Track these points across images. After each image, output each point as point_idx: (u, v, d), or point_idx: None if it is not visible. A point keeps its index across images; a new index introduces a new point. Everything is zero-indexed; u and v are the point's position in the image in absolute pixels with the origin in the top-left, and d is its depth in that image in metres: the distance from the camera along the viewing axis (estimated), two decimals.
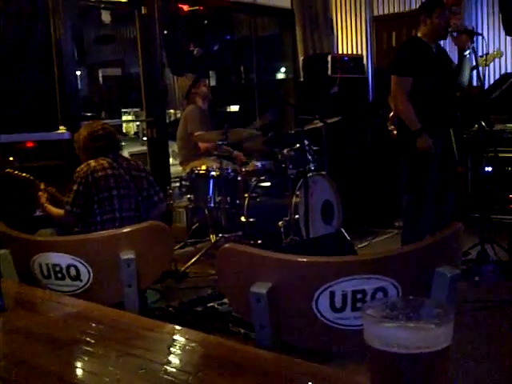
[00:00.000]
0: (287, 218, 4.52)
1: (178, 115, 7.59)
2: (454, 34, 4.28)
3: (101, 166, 3.45)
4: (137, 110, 8.28)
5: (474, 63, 4.23)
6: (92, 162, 3.44)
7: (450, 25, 4.19)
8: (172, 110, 8.99)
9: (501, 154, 5.14)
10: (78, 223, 3.44)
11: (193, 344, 1.08)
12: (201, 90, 5.40)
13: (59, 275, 1.55)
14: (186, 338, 1.10)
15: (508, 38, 6.08)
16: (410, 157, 4.16)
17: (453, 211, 4.47)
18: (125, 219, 3.51)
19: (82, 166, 3.43)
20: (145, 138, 6.50)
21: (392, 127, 5.88)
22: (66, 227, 3.48)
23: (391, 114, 5.91)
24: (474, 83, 5.97)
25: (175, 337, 1.12)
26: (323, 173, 4.86)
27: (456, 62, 4.39)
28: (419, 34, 4.17)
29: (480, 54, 4.27)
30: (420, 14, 4.19)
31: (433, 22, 4.07)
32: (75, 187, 3.38)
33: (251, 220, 4.65)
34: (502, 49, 6.35)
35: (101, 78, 11.11)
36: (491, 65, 6.34)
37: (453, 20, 4.38)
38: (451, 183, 4.34)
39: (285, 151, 4.68)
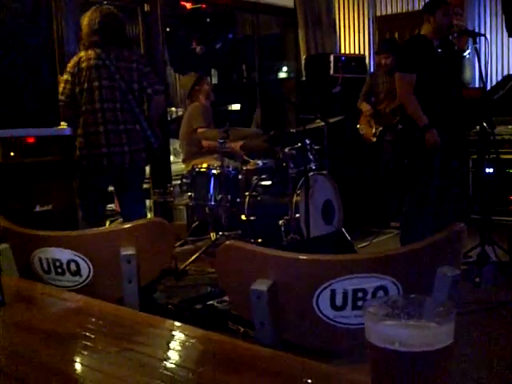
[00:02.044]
0: (288, 217, 4.52)
1: (180, 113, 7.58)
2: (455, 34, 4.29)
3: (86, 57, 3.56)
4: None
5: (477, 64, 4.23)
6: (81, 53, 3.62)
7: (452, 24, 4.19)
8: (173, 108, 8.98)
9: (502, 156, 5.14)
10: (70, 113, 3.60)
11: (193, 340, 1.07)
12: (204, 88, 5.39)
13: (59, 270, 1.55)
14: (186, 334, 1.09)
15: (511, 39, 6.07)
16: (412, 157, 4.16)
17: (461, 209, 4.46)
18: (107, 110, 3.56)
19: (74, 57, 3.64)
20: None
21: (362, 131, 5.93)
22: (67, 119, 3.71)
23: (362, 117, 5.94)
24: (477, 84, 5.97)
25: (175, 333, 1.12)
26: (324, 172, 4.86)
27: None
28: (422, 32, 4.17)
29: (483, 55, 4.26)
30: (423, 13, 4.19)
31: (435, 20, 4.07)
32: (64, 76, 3.56)
33: (252, 218, 4.65)
34: (505, 50, 6.35)
35: None
36: (494, 66, 6.33)
37: (455, 21, 4.39)
38: (455, 181, 4.34)
39: (286, 150, 4.68)
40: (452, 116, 4.18)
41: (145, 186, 5.42)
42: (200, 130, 5.04)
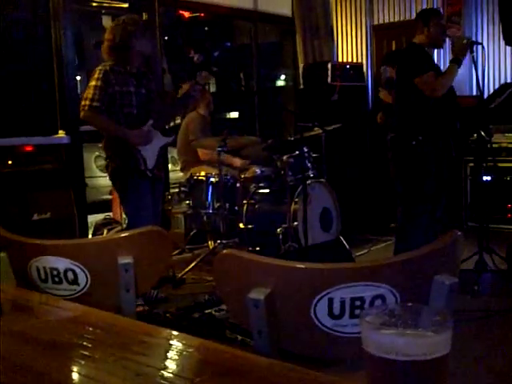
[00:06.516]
0: (286, 225, 4.51)
1: (178, 121, 7.59)
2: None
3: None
4: None
5: (474, 73, 4.23)
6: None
7: (446, 35, 4.20)
8: None
9: (499, 164, 5.15)
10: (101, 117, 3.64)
11: (190, 349, 1.07)
12: (204, 97, 5.36)
13: (56, 279, 1.55)
14: (184, 344, 1.09)
15: (508, 47, 6.09)
16: (406, 169, 4.14)
17: (447, 217, 4.45)
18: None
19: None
20: None
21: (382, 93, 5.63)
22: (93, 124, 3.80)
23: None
24: (474, 93, 5.99)
25: (172, 342, 1.12)
26: (322, 180, 4.86)
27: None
28: (417, 42, 4.16)
29: (480, 64, 4.27)
30: (416, 23, 4.19)
31: (429, 31, 4.08)
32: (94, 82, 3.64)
33: (250, 227, 4.64)
34: (502, 58, 6.37)
35: None
36: (491, 74, 6.35)
37: (452, 29, 4.39)
38: (446, 190, 4.34)
39: (284, 158, 4.69)
40: (447, 127, 4.18)
41: None
42: (196, 142, 5.02)
